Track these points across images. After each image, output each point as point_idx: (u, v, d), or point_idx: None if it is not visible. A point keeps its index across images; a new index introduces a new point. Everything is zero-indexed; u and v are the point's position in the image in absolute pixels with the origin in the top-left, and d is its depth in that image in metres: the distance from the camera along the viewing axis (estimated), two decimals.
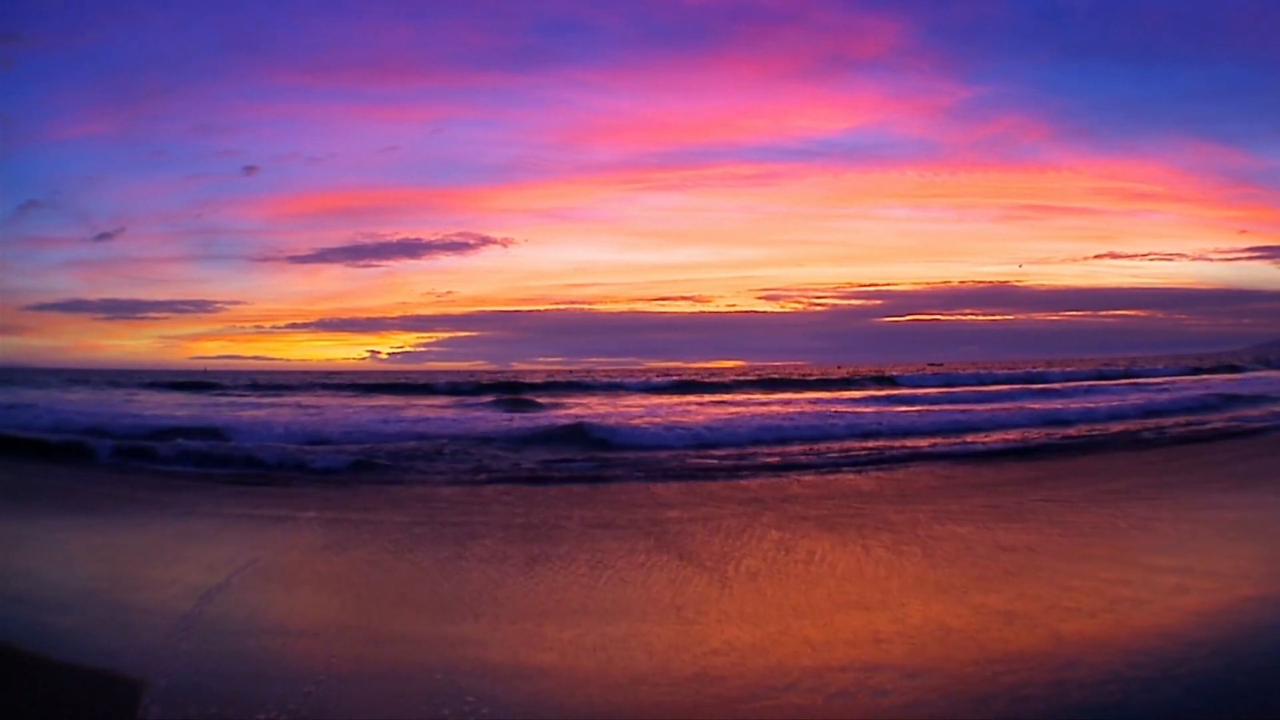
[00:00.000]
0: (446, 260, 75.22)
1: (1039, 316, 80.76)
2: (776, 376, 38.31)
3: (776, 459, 10.54)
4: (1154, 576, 4.37)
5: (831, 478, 9.01)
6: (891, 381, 32.57)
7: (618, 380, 35.28)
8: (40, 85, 42.74)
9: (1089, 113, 56.94)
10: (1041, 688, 2.99)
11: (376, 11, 43.60)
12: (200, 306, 70.68)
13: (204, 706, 2.94)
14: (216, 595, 4.37)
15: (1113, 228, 69.13)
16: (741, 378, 37.33)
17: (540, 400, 24.07)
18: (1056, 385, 27.01)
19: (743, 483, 8.66)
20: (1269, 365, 39.96)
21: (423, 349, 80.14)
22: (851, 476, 9.03)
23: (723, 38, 47.05)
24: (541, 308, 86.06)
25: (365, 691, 3.16)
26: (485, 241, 62.83)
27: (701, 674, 3.25)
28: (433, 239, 66.05)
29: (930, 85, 47.83)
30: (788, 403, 21.57)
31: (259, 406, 21.35)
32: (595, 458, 10.96)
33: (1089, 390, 23.53)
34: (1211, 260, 64.69)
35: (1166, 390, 22.20)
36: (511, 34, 47.57)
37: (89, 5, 43.10)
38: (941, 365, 56.90)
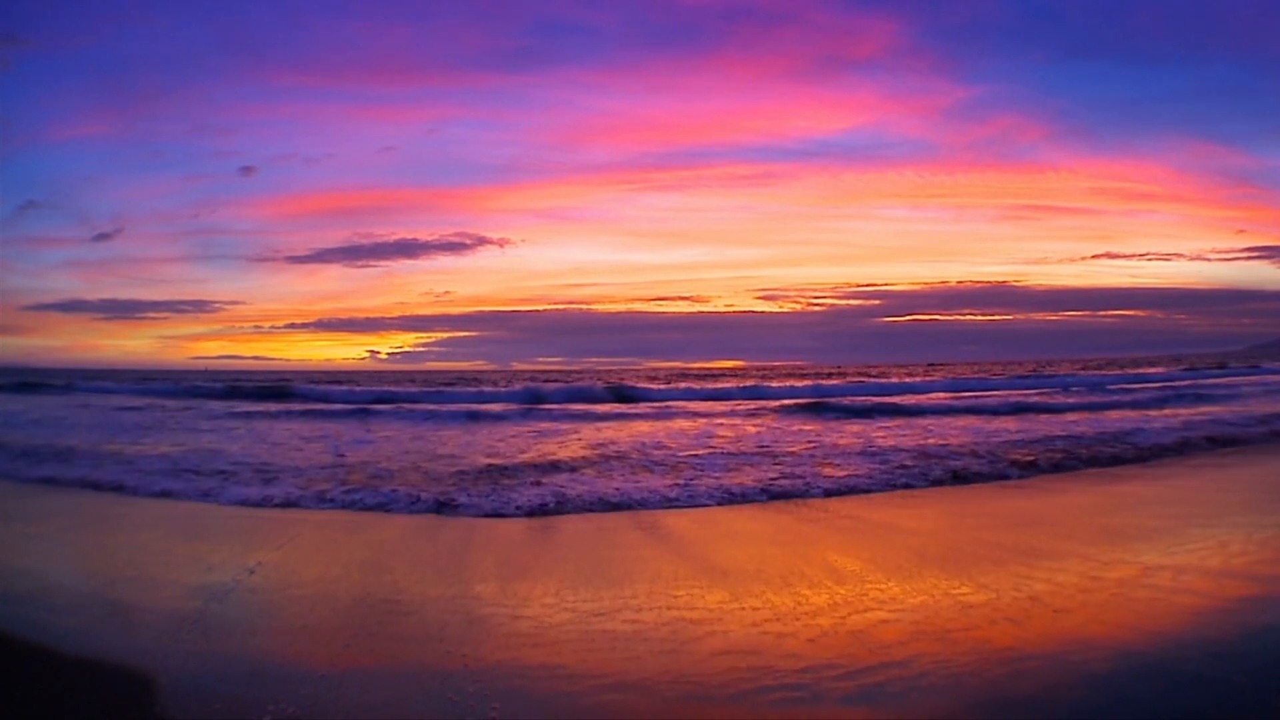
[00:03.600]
0: (445, 260, 75.31)
1: (1037, 316, 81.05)
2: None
3: None
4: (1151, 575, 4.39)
5: None
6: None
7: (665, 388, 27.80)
8: (39, 86, 42.72)
9: (1086, 113, 57.13)
10: (1038, 687, 3.01)
11: (374, 12, 43.65)
12: (199, 307, 70.80)
13: (208, 702, 2.97)
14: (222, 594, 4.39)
15: (1111, 228, 69.42)
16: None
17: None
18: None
19: None
20: None
21: (422, 349, 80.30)
22: None
23: (720, 38, 47.13)
24: (540, 308, 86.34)
25: (372, 686, 3.17)
26: (483, 242, 63.01)
27: (705, 674, 3.27)
28: (431, 239, 66.15)
29: (927, 85, 47.98)
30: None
31: None
32: None
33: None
34: (1210, 260, 65.01)
35: None
36: (509, 35, 47.57)
37: (87, 7, 43.06)
38: (939, 365, 56.86)
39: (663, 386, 30.56)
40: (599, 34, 45.33)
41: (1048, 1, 43.94)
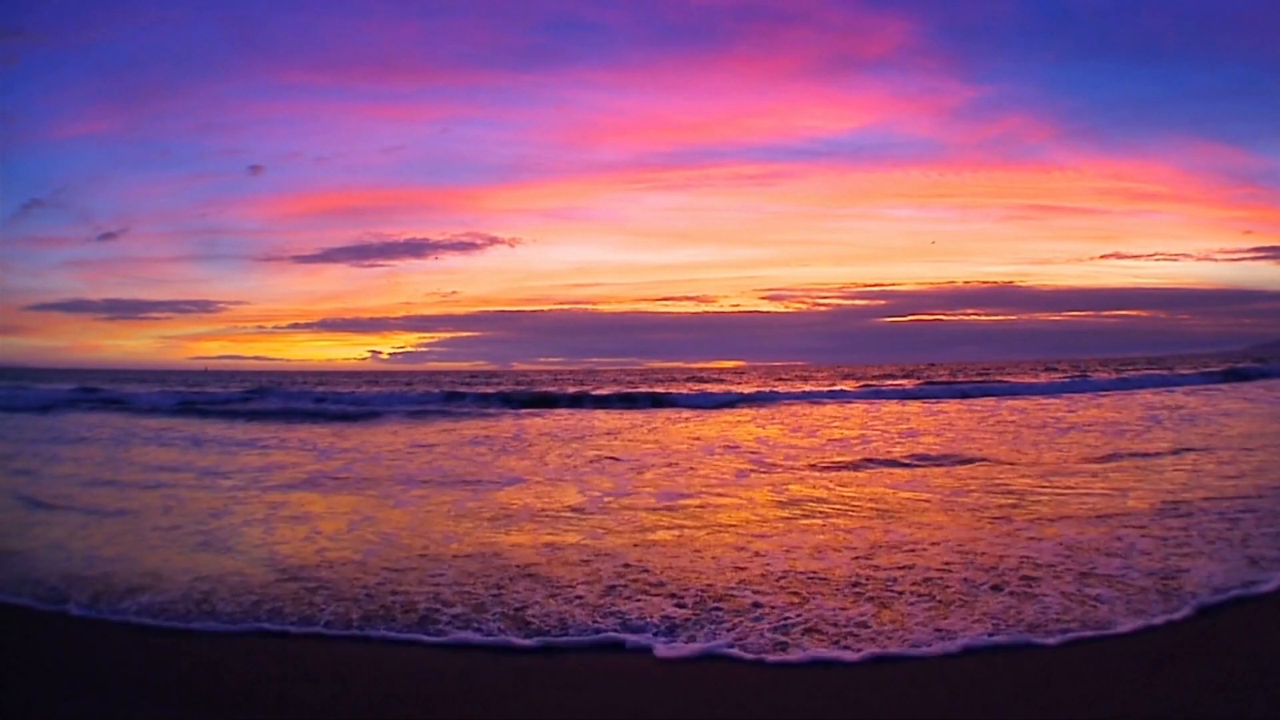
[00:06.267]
0: (451, 260, 75.53)
1: (1041, 316, 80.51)
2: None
3: None
4: None
5: None
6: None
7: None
8: (43, 82, 42.80)
9: (1094, 113, 56.77)
10: None
11: (383, 10, 43.75)
12: (202, 306, 71.03)
13: None
14: None
15: (1117, 228, 69.04)
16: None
17: None
18: None
19: None
20: None
21: (424, 349, 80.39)
22: None
23: (730, 37, 47.06)
24: (545, 308, 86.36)
25: None
26: (490, 241, 63.09)
27: None
28: (439, 239, 66.12)
29: (937, 85, 47.77)
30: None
31: None
32: None
33: None
34: (1216, 260, 64.53)
35: None
36: (518, 33, 47.58)
37: (94, 0, 43.04)
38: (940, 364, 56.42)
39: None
40: (609, 32, 45.27)
41: (1057, 2, 43.72)
